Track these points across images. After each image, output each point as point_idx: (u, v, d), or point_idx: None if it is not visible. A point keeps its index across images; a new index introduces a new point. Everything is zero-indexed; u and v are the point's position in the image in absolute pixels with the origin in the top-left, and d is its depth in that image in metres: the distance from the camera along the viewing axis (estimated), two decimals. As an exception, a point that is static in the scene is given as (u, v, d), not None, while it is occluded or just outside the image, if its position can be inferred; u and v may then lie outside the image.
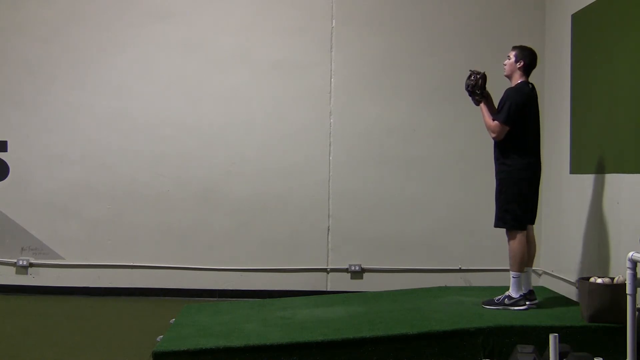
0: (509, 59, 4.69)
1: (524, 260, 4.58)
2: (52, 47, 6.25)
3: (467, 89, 4.70)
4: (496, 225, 4.66)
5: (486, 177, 6.09)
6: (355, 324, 4.30)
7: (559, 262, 5.63)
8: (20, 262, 6.22)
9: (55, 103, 6.26)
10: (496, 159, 4.69)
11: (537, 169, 4.65)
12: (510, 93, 4.61)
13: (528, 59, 4.65)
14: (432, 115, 6.16)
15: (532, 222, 4.74)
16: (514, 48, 4.70)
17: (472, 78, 4.69)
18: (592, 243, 4.94)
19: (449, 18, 6.16)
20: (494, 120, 4.58)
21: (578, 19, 5.34)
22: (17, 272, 6.25)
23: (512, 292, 4.57)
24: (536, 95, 4.70)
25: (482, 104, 4.68)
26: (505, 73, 4.74)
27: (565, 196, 5.52)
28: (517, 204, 4.57)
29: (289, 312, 4.71)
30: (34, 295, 6.13)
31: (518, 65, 4.65)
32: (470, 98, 4.71)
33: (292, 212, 6.07)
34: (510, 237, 4.59)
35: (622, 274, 3.93)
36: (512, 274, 4.58)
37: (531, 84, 4.69)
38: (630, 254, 3.59)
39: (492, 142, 6.07)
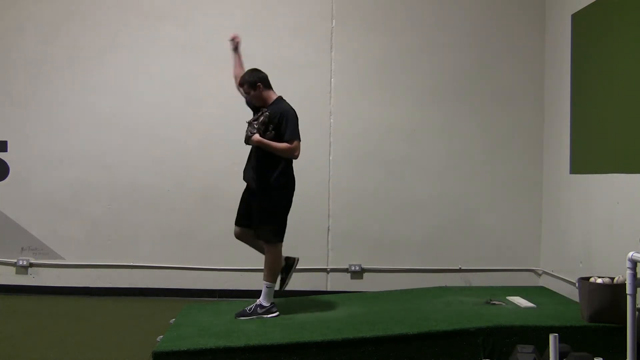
0: (250, 94, 4.68)
1: (279, 271, 4.67)
2: (52, 47, 6.25)
3: (253, 131, 4.60)
4: (262, 239, 4.67)
5: (486, 177, 6.14)
6: (355, 324, 4.30)
7: (559, 262, 5.63)
8: (20, 262, 6.22)
9: (56, 103, 6.26)
10: (259, 170, 4.68)
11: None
12: (285, 109, 4.63)
13: (258, 76, 4.67)
14: (432, 115, 6.16)
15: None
16: (241, 84, 4.69)
17: (259, 120, 4.61)
18: (592, 243, 4.95)
19: (449, 18, 6.16)
20: (290, 142, 4.55)
21: (578, 19, 5.34)
22: (17, 272, 6.25)
23: (263, 301, 4.60)
24: None
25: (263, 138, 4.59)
26: (259, 104, 4.72)
27: (565, 196, 5.52)
28: (278, 218, 4.64)
29: (289, 312, 4.71)
30: (34, 295, 6.13)
31: (260, 89, 4.67)
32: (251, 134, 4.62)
33: (292, 212, 6.00)
34: (272, 248, 4.62)
35: (622, 274, 3.93)
36: (266, 284, 4.61)
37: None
38: (630, 254, 3.60)
39: (491, 142, 6.13)
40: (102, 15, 6.24)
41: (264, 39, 6.18)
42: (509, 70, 6.13)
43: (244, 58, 6.17)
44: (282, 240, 4.68)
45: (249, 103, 4.88)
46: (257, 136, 4.56)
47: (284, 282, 4.83)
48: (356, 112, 6.16)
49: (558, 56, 5.72)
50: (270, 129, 4.59)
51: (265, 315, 4.57)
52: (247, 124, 4.68)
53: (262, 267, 6.16)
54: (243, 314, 4.60)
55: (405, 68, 6.17)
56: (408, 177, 6.15)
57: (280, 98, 4.76)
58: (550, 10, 5.98)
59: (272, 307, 4.61)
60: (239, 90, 4.89)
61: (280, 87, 6.11)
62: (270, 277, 4.62)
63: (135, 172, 6.22)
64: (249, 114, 6.18)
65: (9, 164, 6.26)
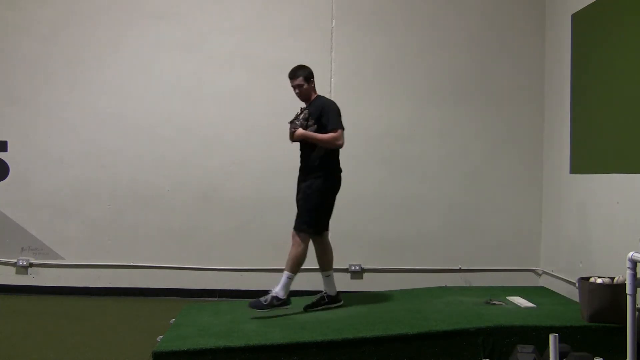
0: (302, 87, 4.70)
1: (302, 264, 4.67)
2: (52, 47, 6.25)
3: (298, 124, 4.66)
4: (294, 228, 4.69)
5: (486, 177, 6.14)
6: (355, 324, 4.30)
7: (559, 262, 5.63)
8: (20, 262, 6.22)
9: (56, 103, 6.26)
10: (307, 166, 4.71)
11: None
12: (326, 103, 4.70)
13: (311, 72, 4.75)
14: (432, 115, 6.16)
15: (327, 228, 4.86)
16: (295, 76, 4.71)
17: (300, 117, 4.69)
18: (592, 243, 4.95)
19: (449, 18, 6.16)
20: (333, 131, 4.58)
21: (578, 19, 5.34)
22: (17, 272, 6.25)
23: (280, 293, 4.60)
24: None
25: (306, 131, 4.63)
26: (304, 99, 4.78)
27: (565, 196, 5.52)
28: (321, 211, 4.69)
29: (289, 312, 4.71)
30: (34, 295, 6.13)
31: (311, 84, 4.75)
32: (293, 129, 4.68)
33: (292, 212, 6.01)
34: (299, 240, 4.63)
35: (622, 274, 3.93)
36: (287, 274, 4.62)
37: None
38: (630, 254, 3.60)
39: (491, 142, 6.13)
40: (102, 16, 6.24)
41: (264, 39, 6.18)
42: (509, 70, 6.13)
43: (244, 58, 6.21)
44: (312, 234, 4.69)
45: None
46: (300, 130, 4.62)
47: (313, 307, 4.81)
48: (356, 112, 6.14)
49: (558, 56, 5.72)
50: (311, 123, 4.64)
51: (281, 307, 4.55)
52: (289, 124, 4.72)
53: (262, 268, 6.19)
54: (258, 305, 4.54)
55: (405, 68, 6.17)
56: (408, 177, 6.15)
57: (319, 95, 4.81)
58: (550, 10, 5.98)
59: (288, 299, 4.59)
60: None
61: (281, 87, 6.13)
62: (292, 267, 4.60)
63: (135, 172, 6.22)
64: (247, 113, 6.21)
65: (9, 164, 6.26)
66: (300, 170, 4.81)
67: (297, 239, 4.65)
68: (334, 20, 6.17)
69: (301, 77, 4.70)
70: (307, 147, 4.69)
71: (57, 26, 6.26)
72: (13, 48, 6.28)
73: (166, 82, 6.21)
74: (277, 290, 4.60)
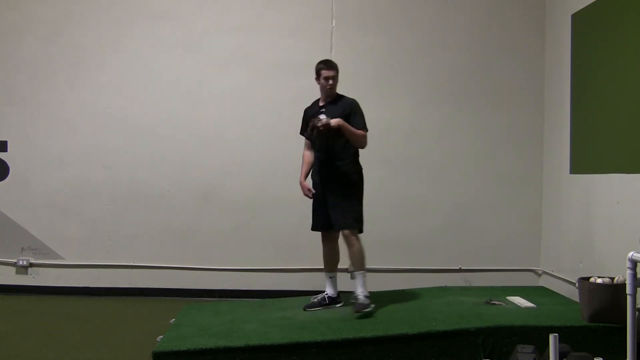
0: (334, 80, 4.68)
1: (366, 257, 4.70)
2: (52, 47, 6.25)
3: (319, 132, 4.57)
4: (347, 227, 4.63)
5: (486, 177, 6.14)
6: (355, 324, 4.30)
7: (559, 262, 5.63)
8: (20, 262, 6.22)
9: (55, 103, 6.26)
10: (337, 161, 4.68)
11: None
12: (353, 102, 4.73)
13: None
14: (432, 115, 6.16)
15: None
16: (333, 68, 4.68)
17: (318, 125, 4.58)
18: (592, 243, 4.95)
19: (449, 18, 6.16)
20: (363, 130, 4.64)
21: (578, 19, 5.34)
22: (17, 272, 6.26)
23: (366, 291, 4.62)
24: None
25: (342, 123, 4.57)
26: (332, 94, 4.76)
27: (565, 196, 5.52)
28: (361, 207, 4.75)
29: (289, 313, 4.71)
30: (34, 295, 6.13)
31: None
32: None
33: (292, 212, 6.05)
34: (355, 238, 4.64)
35: (622, 274, 3.93)
36: (361, 273, 4.64)
37: None
38: (630, 254, 3.60)
39: (491, 142, 6.13)
40: (102, 15, 6.24)
41: (264, 39, 6.18)
42: (509, 70, 6.13)
43: (244, 58, 6.22)
44: (360, 230, 4.71)
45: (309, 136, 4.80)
46: (337, 119, 4.53)
47: (313, 307, 4.79)
48: (356, 112, 6.16)
49: (558, 56, 5.72)
50: None
51: (372, 305, 4.55)
52: (313, 118, 4.64)
53: (262, 268, 6.18)
54: (362, 307, 4.50)
55: (405, 68, 6.17)
56: (408, 177, 6.14)
57: (340, 94, 4.81)
58: (550, 10, 5.98)
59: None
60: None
61: (281, 87, 6.17)
62: (362, 264, 4.64)
63: (135, 171, 6.22)
64: (248, 112, 6.21)
65: (9, 164, 6.26)
66: (325, 166, 4.73)
67: (352, 237, 4.63)
68: (334, 21, 6.17)
69: (337, 71, 4.71)
70: (333, 143, 4.64)
71: (57, 26, 6.26)
72: (13, 48, 6.28)
73: (166, 82, 6.21)
74: (362, 290, 4.60)
